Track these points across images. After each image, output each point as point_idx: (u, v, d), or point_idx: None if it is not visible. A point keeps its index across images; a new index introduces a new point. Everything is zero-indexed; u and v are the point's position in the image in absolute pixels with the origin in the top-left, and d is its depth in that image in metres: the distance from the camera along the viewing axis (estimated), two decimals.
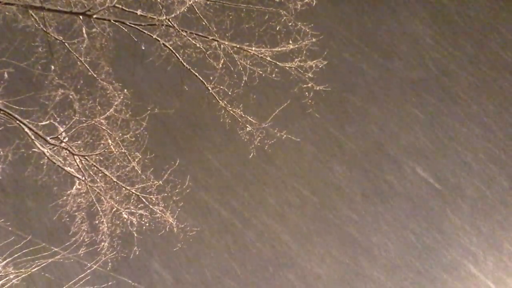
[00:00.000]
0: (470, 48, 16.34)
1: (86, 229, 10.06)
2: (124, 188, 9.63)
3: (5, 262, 9.79)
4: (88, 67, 9.61)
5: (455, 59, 15.98)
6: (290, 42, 9.86)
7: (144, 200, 9.83)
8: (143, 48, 9.76)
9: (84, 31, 9.24)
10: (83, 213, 9.92)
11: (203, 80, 9.77)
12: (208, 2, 9.57)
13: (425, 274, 14.93)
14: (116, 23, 9.07)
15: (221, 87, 9.78)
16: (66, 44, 9.26)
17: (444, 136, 15.87)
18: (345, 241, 15.16)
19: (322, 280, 14.81)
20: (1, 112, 8.55)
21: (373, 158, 15.72)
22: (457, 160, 15.78)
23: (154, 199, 9.88)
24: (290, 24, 9.85)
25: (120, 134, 9.59)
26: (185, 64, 9.60)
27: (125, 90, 9.71)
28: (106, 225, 9.88)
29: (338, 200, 15.42)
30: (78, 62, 9.44)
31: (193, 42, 9.37)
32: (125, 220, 9.90)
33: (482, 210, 15.42)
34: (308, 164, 15.40)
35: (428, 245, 15.23)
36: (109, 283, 11.73)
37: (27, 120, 8.81)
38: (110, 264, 10.53)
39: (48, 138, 8.92)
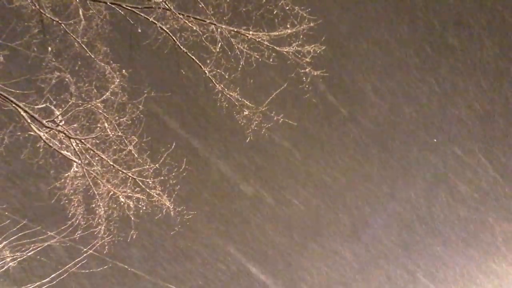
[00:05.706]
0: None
1: (82, 212, 10.04)
2: (120, 172, 9.61)
3: (1, 245, 9.78)
4: (86, 48, 9.51)
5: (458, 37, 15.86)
6: (288, 26, 9.82)
7: (140, 183, 9.82)
8: (140, 31, 9.66)
9: (80, 12, 9.12)
10: (79, 197, 9.90)
11: (200, 64, 9.72)
12: None
13: None
14: (113, 6, 8.97)
15: (218, 70, 9.73)
16: (63, 25, 9.13)
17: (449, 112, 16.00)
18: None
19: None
20: None
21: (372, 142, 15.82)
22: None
23: (150, 182, 9.87)
24: (287, 8, 9.80)
25: (117, 117, 9.54)
26: (182, 47, 9.53)
27: (123, 70, 9.64)
28: (103, 208, 9.87)
29: (337, 184, 15.58)
30: (75, 44, 9.33)
31: (190, 25, 9.29)
32: (122, 203, 9.89)
33: None
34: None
35: None
36: (105, 267, 11.77)
37: (23, 103, 8.72)
38: (106, 247, 10.54)
39: (44, 121, 8.83)
